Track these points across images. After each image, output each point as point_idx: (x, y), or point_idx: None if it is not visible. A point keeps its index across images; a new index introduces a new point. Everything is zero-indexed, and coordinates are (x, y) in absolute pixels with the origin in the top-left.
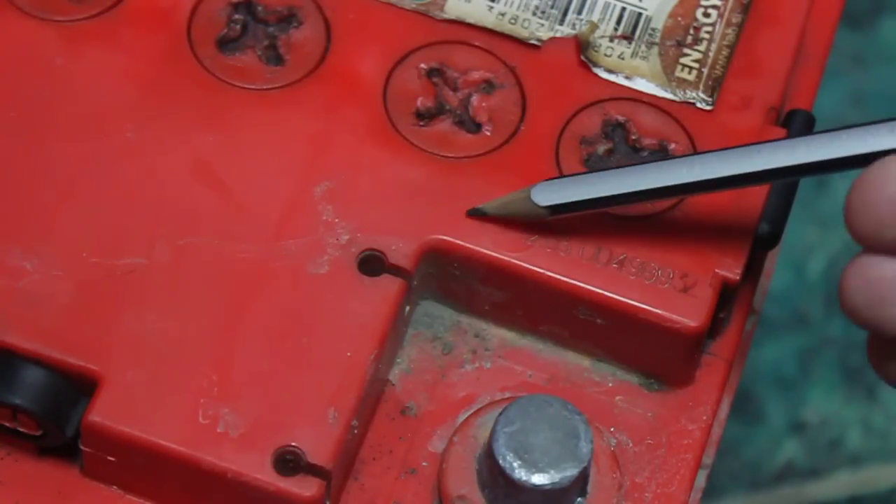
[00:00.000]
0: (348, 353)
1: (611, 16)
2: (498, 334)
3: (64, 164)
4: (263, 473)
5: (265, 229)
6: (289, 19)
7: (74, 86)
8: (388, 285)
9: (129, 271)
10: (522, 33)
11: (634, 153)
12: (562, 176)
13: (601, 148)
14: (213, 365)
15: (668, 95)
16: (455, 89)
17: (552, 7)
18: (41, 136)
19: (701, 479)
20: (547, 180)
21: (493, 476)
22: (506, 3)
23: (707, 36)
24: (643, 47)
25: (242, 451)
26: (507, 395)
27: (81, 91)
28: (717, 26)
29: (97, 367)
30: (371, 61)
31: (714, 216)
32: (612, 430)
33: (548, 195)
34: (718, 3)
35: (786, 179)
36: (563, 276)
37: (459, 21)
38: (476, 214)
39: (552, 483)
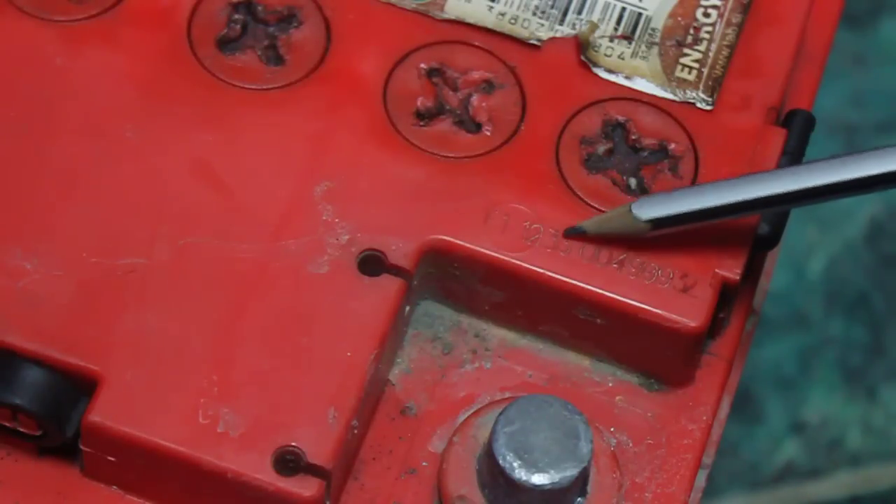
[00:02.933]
0: (348, 353)
1: (611, 16)
2: (498, 334)
3: (64, 164)
4: (263, 473)
5: (265, 229)
6: (289, 19)
7: (74, 86)
8: (388, 285)
9: (129, 271)
10: (522, 33)
11: (634, 153)
12: (662, 192)
13: (601, 148)
14: (213, 365)
15: (668, 95)
16: (455, 89)
17: (552, 7)
18: (41, 135)
19: (701, 479)
20: (648, 195)
21: (493, 476)
22: (506, 3)
23: (707, 36)
24: (643, 47)
25: (242, 451)
26: (507, 395)
27: (81, 91)
28: (717, 26)
29: (97, 367)
30: (371, 61)
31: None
32: (612, 430)
33: (649, 209)
34: (718, 3)
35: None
36: (563, 276)
37: (459, 21)
38: (574, 234)
39: (552, 483)
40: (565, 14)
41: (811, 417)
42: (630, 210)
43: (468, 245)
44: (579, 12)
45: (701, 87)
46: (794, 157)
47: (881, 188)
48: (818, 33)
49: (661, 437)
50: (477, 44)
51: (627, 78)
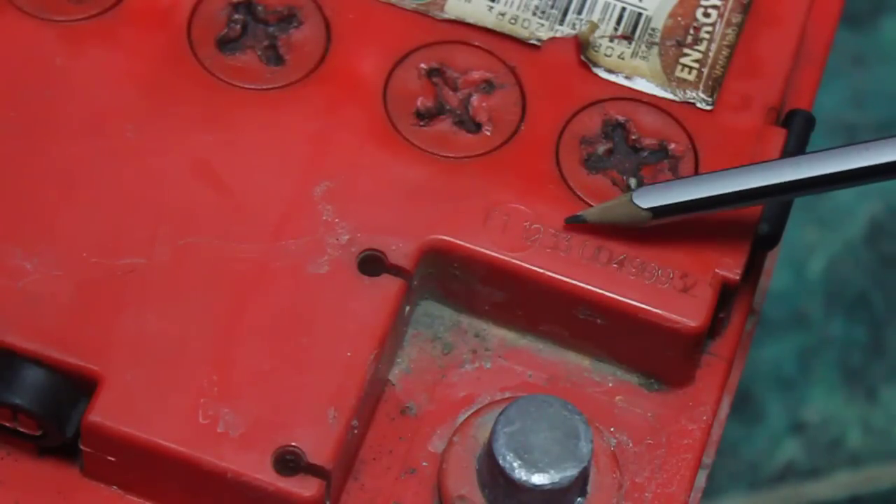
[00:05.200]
0: (348, 353)
1: (611, 16)
2: (498, 334)
3: (64, 164)
4: (263, 473)
5: (265, 229)
6: (289, 19)
7: (74, 86)
8: (388, 285)
9: (129, 271)
10: (522, 33)
11: (634, 153)
12: (663, 181)
13: (601, 148)
14: (213, 365)
15: (668, 95)
16: (455, 89)
17: (552, 7)
18: (41, 135)
19: (701, 479)
20: (648, 184)
21: (493, 476)
22: (506, 3)
23: (707, 36)
24: (643, 47)
25: (242, 451)
26: (507, 395)
27: (81, 91)
28: (717, 26)
29: (97, 367)
30: (371, 61)
31: (714, 216)
32: (612, 430)
33: (650, 198)
34: (718, 3)
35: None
36: (563, 276)
37: (459, 21)
38: (575, 222)
39: (552, 483)
40: (565, 14)
41: (811, 417)
42: (631, 199)
43: (468, 245)
44: (579, 12)
45: (701, 87)
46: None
47: (883, 178)
48: (818, 33)
49: (661, 437)
50: (477, 44)
51: (627, 78)
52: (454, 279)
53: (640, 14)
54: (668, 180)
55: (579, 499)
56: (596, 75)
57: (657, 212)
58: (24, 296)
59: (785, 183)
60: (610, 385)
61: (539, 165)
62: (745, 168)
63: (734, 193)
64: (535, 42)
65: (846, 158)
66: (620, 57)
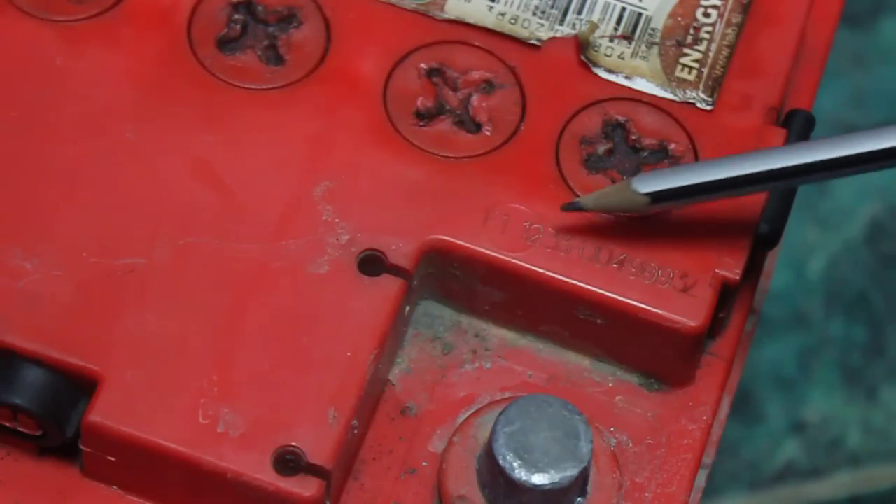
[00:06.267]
0: (348, 353)
1: (611, 16)
2: (498, 334)
3: (64, 164)
4: (263, 473)
5: (265, 229)
6: (289, 19)
7: (74, 86)
8: (388, 285)
9: (129, 271)
10: (522, 33)
11: (634, 153)
12: (663, 168)
13: (601, 148)
14: (213, 365)
15: (668, 95)
16: (455, 89)
17: (552, 7)
18: (41, 135)
19: (701, 479)
20: (648, 171)
21: (493, 476)
22: (506, 3)
23: (707, 36)
24: (643, 47)
25: (242, 451)
26: (507, 395)
27: (81, 91)
28: (717, 26)
29: (97, 367)
30: (371, 61)
31: (714, 216)
32: (612, 430)
33: (649, 183)
34: (718, 3)
35: None
36: (563, 276)
37: (459, 21)
38: (572, 209)
39: (552, 483)
40: (565, 14)
41: (811, 417)
42: (629, 185)
43: (468, 245)
44: (579, 12)
45: (701, 87)
46: None
47: (885, 165)
48: (818, 33)
49: (661, 437)
50: (477, 44)
51: (627, 78)
52: (454, 279)
53: (640, 14)
54: (668, 167)
55: (579, 499)
56: (596, 75)
57: (656, 197)
58: (24, 296)
59: (787, 168)
60: (610, 385)
61: (539, 165)
62: (746, 154)
63: (734, 178)
64: (535, 42)
65: (848, 145)
66: (620, 57)
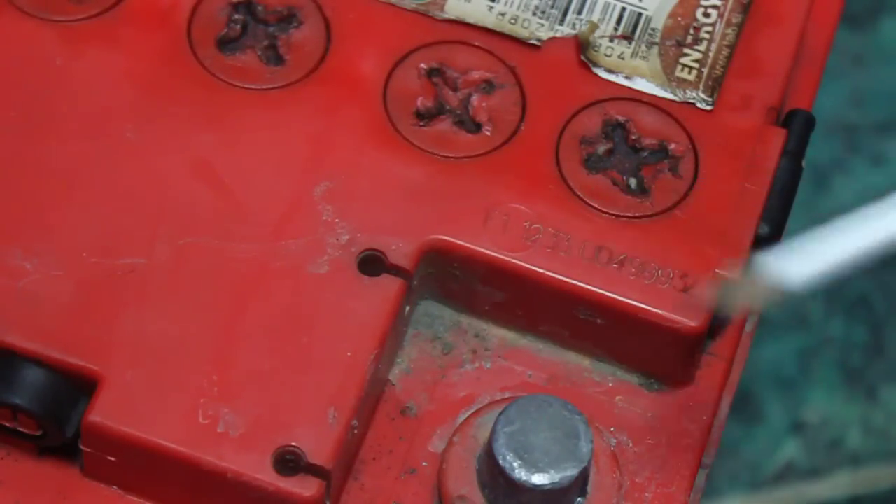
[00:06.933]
0: (348, 353)
1: (611, 16)
2: (498, 334)
3: (64, 164)
4: (263, 473)
5: (265, 229)
6: (289, 19)
7: (74, 86)
8: (388, 285)
9: (129, 271)
10: (522, 33)
11: (635, 153)
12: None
13: (601, 148)
14: (213, 365)
15: (668, 95)
16: (455, 89)
17: (552, 7)
18: (41, 135)
19: (701, 479)
20: (770, 253)
21: (493, 476)
22: (506, 3)
23: (707, 36)
24: (643, 47)
25: (242, 451)
26: (507, 395)
27: (81, 91)
28: (717, 26)
29: (97, 367)
30: (371, 61)
31: (714, 216)
32: (612, 430)
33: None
34: (718, 3)
35: None
36: (563, 276)
37: (459, 21)
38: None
39: (552, 483)
40: (565, 14)
41: (811, 417)
42: (767, 283)
43: (468, 245)
44: (579, 12)
45: (701, 87)
46: (794, 157)
47: None
48: (818, 33)
49: (661, 437)
50: (477, 44)
51: (627, 78)
52: (454, 279)
53: (640, 14)
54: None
55: (579, 499)
56: (596, 75)
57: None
58: (24, 296)
59: None
60: (610, 385)
61: (539, 165)
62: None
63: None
64: (535, 42)
65: None
66: (620, 57)
